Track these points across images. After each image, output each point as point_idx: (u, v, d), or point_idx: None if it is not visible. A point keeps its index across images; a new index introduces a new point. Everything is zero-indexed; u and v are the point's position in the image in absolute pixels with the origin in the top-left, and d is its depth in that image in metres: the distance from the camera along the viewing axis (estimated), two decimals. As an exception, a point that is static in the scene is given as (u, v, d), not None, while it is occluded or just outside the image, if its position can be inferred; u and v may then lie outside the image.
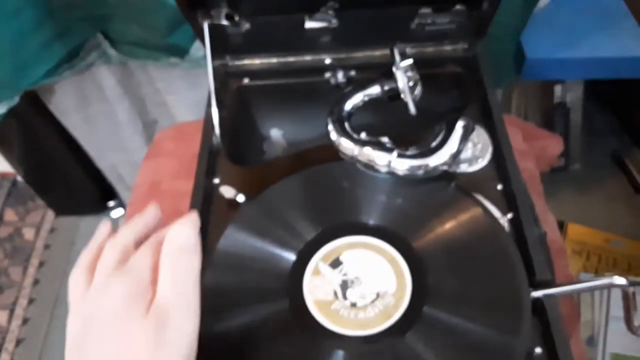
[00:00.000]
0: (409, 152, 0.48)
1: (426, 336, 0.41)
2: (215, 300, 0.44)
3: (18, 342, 1.15)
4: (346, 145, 0.50)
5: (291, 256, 0.46)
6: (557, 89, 1.14)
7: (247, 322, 0.43)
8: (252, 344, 0.42)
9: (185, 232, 0.34)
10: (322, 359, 0.40)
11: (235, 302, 0.44)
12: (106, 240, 0.36)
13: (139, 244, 0.36)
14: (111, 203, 1.32)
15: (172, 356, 0.30)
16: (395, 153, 0.48)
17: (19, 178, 1.37)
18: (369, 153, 0.49)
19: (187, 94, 0.99)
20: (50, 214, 1.34)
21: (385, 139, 0.49)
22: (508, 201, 0.50)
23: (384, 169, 0.49)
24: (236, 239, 0.47)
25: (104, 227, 0.38)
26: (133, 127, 1.08)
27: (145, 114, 1.09)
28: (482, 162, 0.53)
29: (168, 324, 0.30)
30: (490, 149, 0.54)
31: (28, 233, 1.33)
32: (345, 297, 0.43)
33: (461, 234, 0.46)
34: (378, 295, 0.43)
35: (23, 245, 1.31)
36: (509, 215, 0.48)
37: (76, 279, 0.34)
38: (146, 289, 0.32)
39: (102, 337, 0.30)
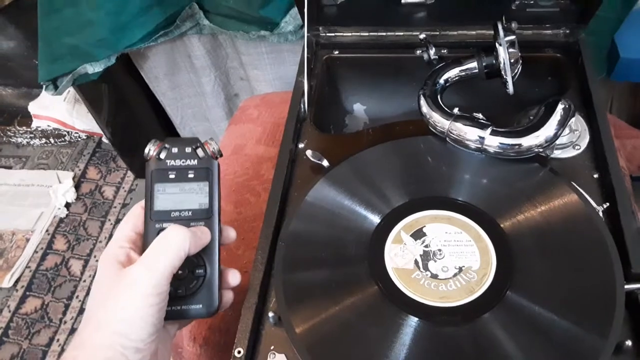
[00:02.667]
0: (503, 130, 0.47)
1: (506, 320, 0.40)
2: (296, 249, 0.44)
3: (89, 291, 1.22)
4: (438, 119, 0.49)
5: (375, 219, 0.46)
6: (646, 93, 1.07)
7: (325, 276, 0.43)
8: (328, 298, 0.42)
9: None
10: (398, 324, 0.40)
11: (315, 254, 0.44)
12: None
13: None
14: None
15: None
16: (489, 129, 0.47)
17: (104, 139, 1.45)
18: (461, 128, 0.48)
19: (270, 69, 1.01)
20: (130, 175, 1.41)
21: (479, 115, 0.48)
22: (604, 191, 0.47)
23: (474, 145, 0.48)
24: (325, 193, 0.47)
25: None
26: (215, 98, 1.12)
27: (228, 87, 1.12)
28: (578, 150, 0.51)
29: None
30: (587, 138, 0.51)
31: (108, 191, 1.41)
32: (426, 268, 0.43)
33: (553, 218, 0.44)
34: (461, 269, 0.43)
35: (102, 202, 1.39)
36: (605, 205, 0.46)
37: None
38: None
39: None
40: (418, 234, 0.45)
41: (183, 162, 0.41)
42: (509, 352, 0.38)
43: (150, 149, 0.41)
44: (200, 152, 0.41)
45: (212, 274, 0.40)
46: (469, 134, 0.48)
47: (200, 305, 0.40)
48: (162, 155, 0.41)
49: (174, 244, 0.37)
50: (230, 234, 0.43)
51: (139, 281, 0.35)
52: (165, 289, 0.36)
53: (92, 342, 0.34)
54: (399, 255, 0.44)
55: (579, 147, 0.51)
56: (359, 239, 0.45)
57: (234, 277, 0.42)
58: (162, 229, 0.39)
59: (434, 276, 0.43)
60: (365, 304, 0.42)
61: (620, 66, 0.82)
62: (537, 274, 0.42)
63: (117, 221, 1.35)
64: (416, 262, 0.44)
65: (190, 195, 0.40)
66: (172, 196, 0.40)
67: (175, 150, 0.41)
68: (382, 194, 0.48)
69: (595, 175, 0.49)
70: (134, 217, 0.41)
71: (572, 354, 0.37)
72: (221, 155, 0.42)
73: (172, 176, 0.40)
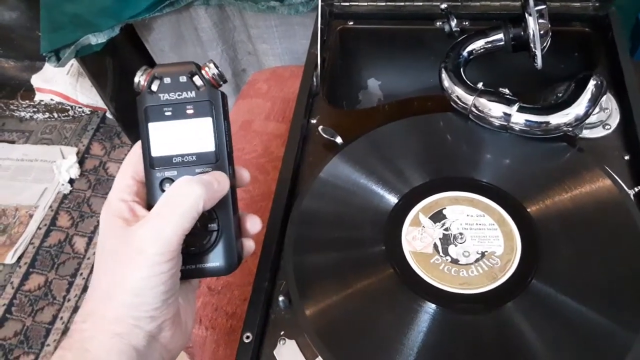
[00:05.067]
0: (530, 106, 0.44)
1: (530, 310, 0.37)
2: (308, 230, 0.42)
3: (92, 269, 1.21)
4: (461, 94, 0.46)
5: (393, 199, 0.43)
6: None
7: (338, 258, 0.41)
8: (341, 281, 0.40)
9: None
10: (415, 310, 0.38)
11: (327, 235, 0.42)
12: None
13: None
14: (191, 147, 1.34)
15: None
16: (516, 105, 0.44)
17: (109, 114, 1.42)
18: (485, 103, 0.45)
19: (279, 43, 0.97)
20: (134, 151, 1.39)
21: (505, 90, 0.45)
22: (636, 174, 0.45)
23: (499, 122, 0.45)
24: (340, 170, 0.45)
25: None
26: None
27: (236, 61, 1.08)
28: (608, 130, 0.48)
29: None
30: (617, 117, 0.48)
31: (112, 167, 1.38)
32: (446, 252, 0.41)
33: (583, 203, 0.42)
34: (483, 255, 0.40)
35: (106, 179, 1.36)
36: (637, 189, 0.43)
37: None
38: None
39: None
40: (437, 217, 0.43)
41: (179, 96, 0.34)
42: (532, 344, 0.36)
43: (140, 80, 0.34)
44: (197, 80, 0.34)
45: (228, 226, 0.34)
46: (494, 110, 0.45)
47: (218, 263, 0.34)
48: (154, 87, 0.34)
49: (186, 203, 0.31)
50: (244, 174, 0.37)
51: (146, 249, 0.30)
52: (176, 254, 0.31)
53: (100, 315, 0.31)
54: (417, 238, 0.42)
55: (609, 127, 0.48)
56: (375, 220, 0.42)
57: (253, 225, 0.36)
58: (164, 179, 0.33)
59: (455, 261, 0.40)
60: (381, 289, 0.40)
61: (644, 46, 0.78)
62: (564, 261, 0.39)
63: (121, 198, 1.33)
64: (435, 246, 0.41)
65: (192, 136, 0.34)
66: (171, 138, 0.34)
67: (167, 80, 0.34)
68: (400, 173, 0.45)
69: (626, 157, 0.46)
70: (134, 161, 0.34)
71: (600, 348, 0.35)
72: (225, 82, 0.35)
73: (168, 113, 0.34)
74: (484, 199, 0.43)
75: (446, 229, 0.42)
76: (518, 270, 0.39)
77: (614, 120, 0.48)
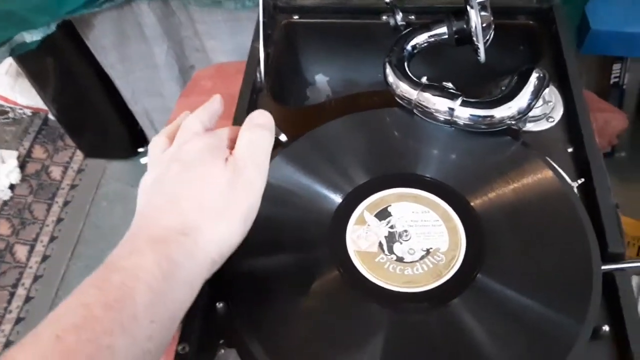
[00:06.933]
0: (474, 100, 0.43)
1: (477, 305, 0.36)
2: (249, 232, 0.40)
3: (36, 278, 1.15)
4: (405, 89, 0.45)
5: (337, 199, 0.42)
6: (616, 68, 1.06)
7: (281, 261, 0.39)
8: (284, 285, 0.38)
9: (265, 114, 0.38)
10: (360, 311, 0.36)
11: (270, 237, 0.40)
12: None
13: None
14: (141, 149, 1.30)
15: (240, 199, 0.33)
16: (459, 100, 0.43)
17: (51, 116, 1.36)
18: (429, 98, 0.44)
19: (228, 39, 0.95)
20: (78, 154, 1.33)
21: (449, 85, 0.44)
22: (579, 166, 0.45)
23: (443, 117, 0.44)
24: (282, 172, 0.43)
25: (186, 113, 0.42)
26: (169, 71, 1.05)
27: (183, 58, 1.05)
28: (552, 122, 0.48)
29: (242, 174, 0.34)
30: (561, 110, 0.49)
31: (55, 171, 1.32)
32: (391, 250, 0.39)
33: (526, 196, 0.41)
34: (428, 252, 0.39)
35: (49, 183, 1.30)
36: (580, 181, 0.43)
37: (159, 140, 0.38)
38: (225, 148, 0.35)
39: (182, 174, 0.34)
40: (383, 214, 0.41)
41: None
42: (480, 339, 0.35)
43: None
44: None
45: None
46: (438, 104, 0.44)
47: None
48: None
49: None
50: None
51: (255, 184, 0.34)
52: None
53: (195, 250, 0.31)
54: (362, 237, 0.40)
55: (552, 120, 0.48)
56: (319, 220, 0.41)
57: None
58: None
59: (400, 259, 0.39)
60: (324, 291, 0.38)
61: (591, 39, 0.80)
62: (509, 255, 0.39)
63: (65, 203, 1.27)
64: (380, 244, 0.40)
65: None
66: None
67: None
68: (344, 171, 0.44)
69: (570, 150, 0.46)
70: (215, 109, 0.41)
71: (547, 339, 0.35)
72: None
73: None
74: (428, 195, 0.42)
75: (391, 227, 0.41)
76: (463, 266, 0.38)
77: (558, 113, 0.48)
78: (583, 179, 0.43)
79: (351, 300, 0.37)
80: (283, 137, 0.47)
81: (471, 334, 0.35)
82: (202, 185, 0.33)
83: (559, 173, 0.42)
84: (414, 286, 0.38)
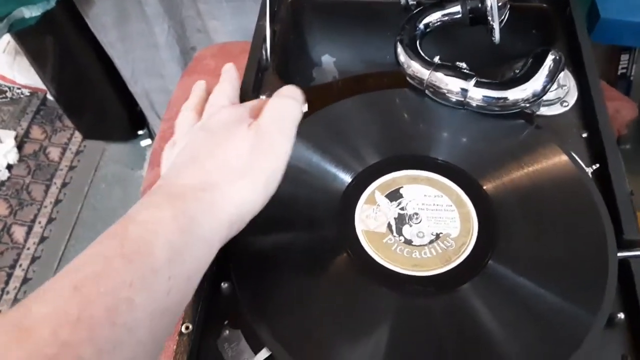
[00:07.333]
0: (488, 81, 0.42)
1: (486, 291, 0.35)
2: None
3: (33, 259, 1.14)
4: (417, 68, 0.44)
5: (347, 178, 0.41)
6: (624, 59, 1.05)
7: (288, 240, 0.38)
8: (290, 264, 0.37)
9: (293, 88, 0.38)
10: (365, 291, 0.35)
11: (277, 216, 0.39)
12: (204, 92, 0.42)
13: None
14: (140, 132, 1.28)
15: (263, 162, 0.33)
16: (473, 80, 0.42)
17: (49, 96, 1.34)
18: (442, 78, 0.43)
19: (230, 20, 0.93)
20: (77, 136, 1.31)
21: (462, 65, 0.43)
22: (593, 152, 0.44)
23: (456, 98, 0.43)
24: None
25: (201, 84, 0.44)
26: (170, 52, 1.03)
27: (184, 39, 1.03)
28: (566, 107, 0.47)
29: (266, 138, 0.34)
30: (575, 94, 0.47)
31: (53, 152, 1.31)
32: (400, 232, 0.38)
33: (541, 181, 0.40)
34: (438, 236, 0.38)
35: (47, 164, 1.28)
36: (595, 167, 0.42)
37: (187, 115, 0.39)
38: (251, 117, 0.35)
39: (207, 139, 0.34)
40: (394, 195, 0.40)
41: None
42: (488, 326, 0.34)
43: None
44: None
45: None
46: (451, 85, 0.42)
47: None
48: None
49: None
50: None
51: (279, 149, 0.34)
52: None
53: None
54: (371, 217, 0.39)
55: (567, 104, 0.46)
56: (328, 199, 0.40)
57: None
58: None
59: (408, 242, 0.38)
60: (331, 270, 0.37)
61: (600, 27, 0.78)
62: (522, 242, 0.38)
63: (64, 185, 1.26)
64: (389, 225, 0.39)
65: None
66: None
67: None
68: (356, 151, 0.43)
69: (584, 135, 0.45)
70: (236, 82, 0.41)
71: (561, 327, 0.34)
72: None
73: None
74: (442, 179, 0.41)
75: (402, 209, 0.40)
76: (473, 252, 0.37)
77: (572, 98, 0.47)
78: (598, 164, 0.42)
79: (357, 280, 0.36)
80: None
81: (479, 321, 0.34)
82: (225, 146, 0.33)
83: (574, 158, 0.41)
84: (421, 270, 0.37)
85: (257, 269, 0.37)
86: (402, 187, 0.41)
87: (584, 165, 0.42)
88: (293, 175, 0.40)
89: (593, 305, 0.34)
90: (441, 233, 0.38)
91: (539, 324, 0.34)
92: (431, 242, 0.38)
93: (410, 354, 0.33)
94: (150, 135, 1.28)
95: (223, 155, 0.33)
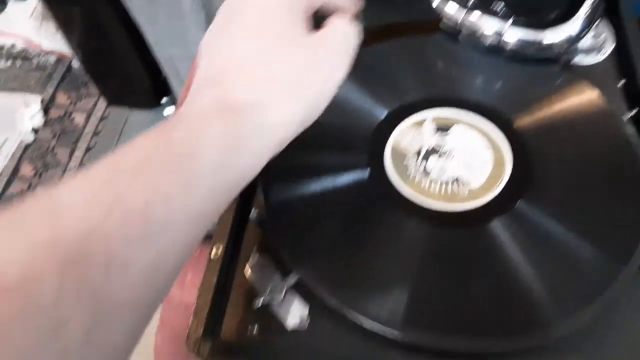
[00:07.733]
0: (525, 21, 0.41)
1: (514, 230, 0.35)
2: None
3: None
4: (451, 9, 0.43)
5: (383, 112, 0.41)
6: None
7: (319, 162, 0.39)
8: (317, 186, 0.38)
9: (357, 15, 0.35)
10: (388, 217, 0.36)
11: (310, 140, 0.39)
12: None
13: None
14: (164, 99, 1.29)
15: (320, 82, 0.30)
16: (510, 20, 0.41)
17: (74, 64, 1.36)
18: (478, 18, 0.42)
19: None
20: (102, 102, 1.33)
21: (501, 5, 0.42)
22: (630, 100, 0.43)
23: (490, 40, 0.42)
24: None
25: None
26: (196, 18, 1.03)
27: (211, 5, 1.03)
28: (601, 56, 0.46)
29: (327, 57, 0.31)
30: (611, 43, 0.46)
31: (78, 118, 1.32)
32: (426, 158, 0.38)
33: (578, 129, 0.40)
34: (456, 181, 0.38)
35: (72, 129, 1.30)
36: (634, 111, 0.41)
37: None
38: (304, 12, 0.31)
39: (255, 36, 0.30)
40: (444, 128, 0.40)
41: None
42: (512, 264, 0.33)
43: None
44: None
45: None
46: (487, 25, 0.42)
47: None
48: None
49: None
50: None
51: (336, 73, 0.31)
52: None
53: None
54: (408, 135, 0.39)
55: (603, 52, 0.45)
56: (369, 127, 0.41)
57: None
58: None
59: (426, 170, 0.38)
60: (351, 187, 0.38)
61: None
62: (556, 188, 0.37)
63: (88, 149, 1.27)
64: (419, 150, 0.39)
65: None
66: None
67: None
68: (394, 86, 0.43)
69: (620, 84, 0.44)
70: None
71: (586, 274, 0.33)
72: None
73: None
74: (497, 133, 0.40)
75: (442, 140, 0.39)
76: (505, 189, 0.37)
77: (609, 46, 0.46)
78: (637, 109, 0.41)
79: (380, 205, 0.37)
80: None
81: (504, 255, 0.34)
82: (279, 53, 0.29)
83: (611, 105, 0.40)
84: (427, 197, 0.37)
85: (286, 194, 0.37)
86: (456, 123, 0.40)
87: (620, 113, 0.41)
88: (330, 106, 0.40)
89: (622, 257, 0.33)
90: (461, 179, 0.38)
91: (566, 266, 0.33)
92: (447, 182, 0.38)
93: (435, 279, 0.34)
94: (174, 103, 1.29)
95: (277, 66, 0.29)
